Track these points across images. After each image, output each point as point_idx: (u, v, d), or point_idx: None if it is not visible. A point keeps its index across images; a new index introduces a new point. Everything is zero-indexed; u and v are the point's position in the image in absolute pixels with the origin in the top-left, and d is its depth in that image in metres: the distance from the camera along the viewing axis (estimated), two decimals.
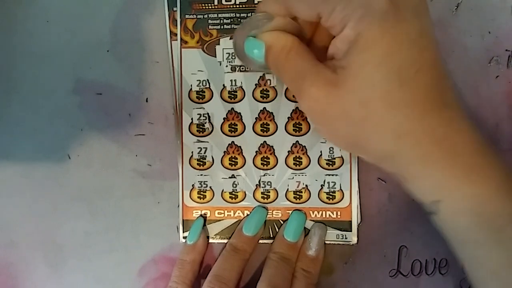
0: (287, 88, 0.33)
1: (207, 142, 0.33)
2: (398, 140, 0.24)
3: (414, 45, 0.23)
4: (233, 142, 0.33)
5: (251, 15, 0.31)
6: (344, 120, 0.25)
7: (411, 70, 0.23)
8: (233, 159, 0.33)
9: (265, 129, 0.33)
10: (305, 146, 0.33)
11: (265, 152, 0.33)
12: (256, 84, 0.33)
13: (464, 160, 0.24)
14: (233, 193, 0.33)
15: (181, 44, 0.33)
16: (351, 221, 0.33)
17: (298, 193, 0.33)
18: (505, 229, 0.24)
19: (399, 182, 0.26)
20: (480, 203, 0.24)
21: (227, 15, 0.33)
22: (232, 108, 0.33)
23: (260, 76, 0.33)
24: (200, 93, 0.33)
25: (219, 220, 0.34)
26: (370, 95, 0.23)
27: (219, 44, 0.33)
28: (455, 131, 0.24)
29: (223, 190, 0.33)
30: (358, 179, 0.33)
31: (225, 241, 0.33)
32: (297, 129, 0.33)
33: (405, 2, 0.23)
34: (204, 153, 0.33)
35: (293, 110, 0.33)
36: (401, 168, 0.25)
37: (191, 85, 0.33)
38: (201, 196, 0.34)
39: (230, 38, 0.33)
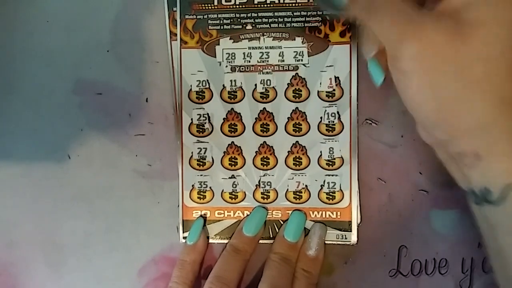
0: (287, 88, 0.33)
1: (207, 142, 0.33)
2: (502, 108, 0.22)
3: None
4: (233, 142, 0.33)
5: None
6: (458, 74, 0.22)
7: None
8: (233, 160, 0.33)
9: (265, 129, 0.33)
10: (305, 147, 0.33)
11: (265, 153, 0.33)
12: (255, 85, 0.33)
13: None
14: (233, 193, 0.33)
15: (180, 44, 0.33)
16: (351, 221, 0.33)
17: (298, 193, 0.33)
18: None
19: (460, 163, 0.24)
20: None
21: (227, 15, 0.33)
22: (232, 109, 0.33)
23: (260, 78, 0.33)
24: (200, 93, 0.33)
25: (219, 221, 0.34)
26: (498, 54, 0.22)
27: (219, 44, 0.33)
28: None
29: (223, 191, 0.33)
30: (358, 179, 0.33)
31: (225, 241, 0.33)
32: (297, 129, 0.33)
33: None
34: (204, 153, 0.33)
35: (293, 110, 0.33)
36: (486, 143, 0.23)
37: (191, 86, 0.33)
38: (201, 197, 0.34)
39: (230, 39, 0.33)
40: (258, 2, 0.32)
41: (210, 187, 0.33)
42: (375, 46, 0.27)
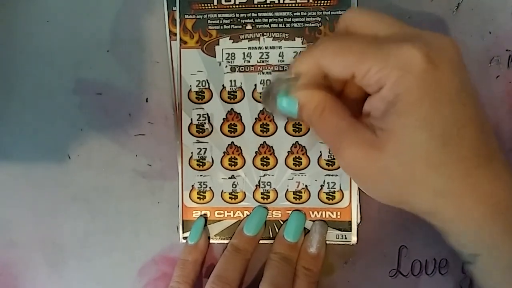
0: None
1: (207, 142, 0.33)
2: (440, 199, 0.24)
3: (454, 103, 0.23)
4: (232, 142, 0.33)
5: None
6: (385, 180, 0.24)
7: (454, 129, 0.23)
8: (233, 160, 0.33)
9: (264, 130, 0.33)
10: (304, 147, 0.33)
11: (265, 153, 0.33)
12: (255, 85, 0.33)
13: (507, 218, 0.24)
14: (233, 193, 0.33)
15: (180, 44, 0.33)
16: (351, 221, 0.33)
17: (297, 193, 0.33)
18: None
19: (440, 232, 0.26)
20: None
21: (226, 15, 0.33)
22: (232, 109, 0.33)
23: (260, 78, 0.33)
24: (200, 93, 0.33)
25: (219, 221, 0.34)
26: (412, 157, 0.23)
27: (218, 44, 0.33)
28: (500, 188, 0.24)
29: (222, 191, 0.33)
30: None
31: (225, 241, 0.33)
32: (297, 129, 0.33)
33: (441, 57, 0.23)
34: (204, 153, 0.33)
35: None
36: (441, 224, 0.25)
37: (191, 86, 0.33)
38: (201, 197, 0.34)
39: (230, 39, 0.33)
40: (258, 2, 0.32)
41: (210, 187, 0.33)
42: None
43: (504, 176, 0.24)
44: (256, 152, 0.33)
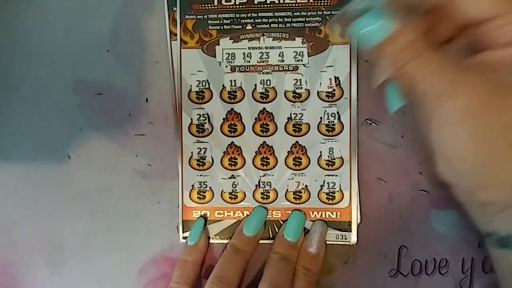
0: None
1: (207, 142, 0.33)
2: None
3: None
4: (232, 142, 0.33)
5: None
6: (502, 131, 0.23)
7: None
8: (233, 160, 0.33)
9: (264, 130, 0.33)
10: (304, 147, 0.33)
11: (265, 153, 0.33)
12: (255, 85, 0.33)
13: None
14: (233, 193, 0.33)
15: (180, 44, 0.33)
16: (350, 221, 0.33)
17: (297, 193, 0.33)
18: None
19: (485, 208, 0.25)
20: None
21: (226, 15, 0.33)
22: (232, 109, 0.33)
23: (260, 78, 0.33)
24: (200, 93, 0.33)
25: (219, 221, 0.34)
26: None
27: (218, 44, 0.33)
28: None
29: (222, 191, 0.33)
30: (358, 179, 0.33)
31: (225, 241, 0.33)
32: (297, 129, 0.33)
33: None
34: (204, 153, 0.33)
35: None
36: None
37: (191, 86, 0.33)
38: (201, 197, 0.34)
39: (230, 39, 0.33)
40: (258, 2, 0.32)
41: (210, 187, 0.33)
42: (390, 70, 0.25)
43: None
44: (256, 152, 0.33)
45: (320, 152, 0.33)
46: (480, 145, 0.23)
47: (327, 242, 0.33)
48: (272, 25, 0.32)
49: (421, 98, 0.24)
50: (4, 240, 0.35)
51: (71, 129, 0.34)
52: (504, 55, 0.23)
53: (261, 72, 0.33)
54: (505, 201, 0.24)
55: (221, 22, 0.33)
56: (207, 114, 0.33)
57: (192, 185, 0.34)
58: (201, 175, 0.33)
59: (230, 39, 0.33)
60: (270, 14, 0.32)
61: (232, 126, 0.33)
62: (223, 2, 0.32)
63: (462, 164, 0.25)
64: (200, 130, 0.33)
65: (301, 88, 0.33)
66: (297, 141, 0.33)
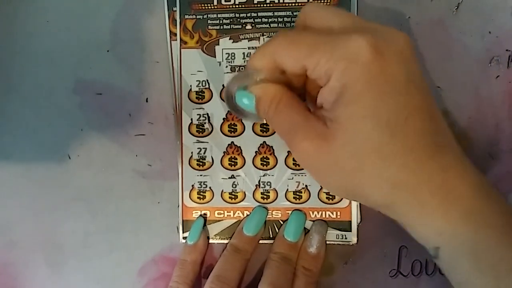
0: None
1: (207, 142, 0.33)
2: (393, 191, 0.24)
3: (400, 93, 0.23)
4: (232, 142, 0.33)
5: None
6: (337, 172, 0.24)
7: (400, 118, 0.23)
8: (233, 160, 0.33)
9: (264, 129, 0.33)
10: None
11: (265, 152, 0.33)
12: None
13: (463, 205, 0.24)
14: (233, 193, 0.33)
15: (180, 45, 0.33)
16: (350, 221, 0.33)
17: (297, 193, 0.33)
18: (504, 278, 0.23)
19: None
20: (479, 248, 0.23)
21: (226, 15, 0.33)
22: None
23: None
24: (200, 93, 0.33)
25: (219, 221, 0.34)
26: (361, 147, 0.23)
27: (218, 44, 0.33)
28: (452, 177, 0.24)
29: (222, 191, 0.33)
30: None
31: (225, 241, 0.33)
32: None
33: (389, 48, 0.23)
34: (204, 153, 0.33)
35: None
36: (399, 217, 0.25)
37: (191, 86, 0.33)
38: (201, 197, 0.34)
39: (230, 39, 0.33)
40: (258, 2, 0.32)
41: (210, 187, 0.33)
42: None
43: (455, 164, 0.24)
44: (256, 152, 0.33)
45: None
46: (331, 185, 0.26)
47: (327, 242, 0.33)
48: (272, 25, 0.32)
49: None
50: (4, 240, 0.35)
51: (71, 129, 0.34)
52: (325, 95, 0.24)
53: None
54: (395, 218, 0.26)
55: (221, 22, 0.33)
56: (207, 114, 0.33)
57: (192, 185, 0.34)
58: (201, 175, 0.33)
59: (230, 39, 0.33)
60: (270, 14, 0.32)
61: (232, 126, 0.33)
62: (223, 2, 0.32)
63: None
64: (200, 130, 0.33)
65: None
66: None
